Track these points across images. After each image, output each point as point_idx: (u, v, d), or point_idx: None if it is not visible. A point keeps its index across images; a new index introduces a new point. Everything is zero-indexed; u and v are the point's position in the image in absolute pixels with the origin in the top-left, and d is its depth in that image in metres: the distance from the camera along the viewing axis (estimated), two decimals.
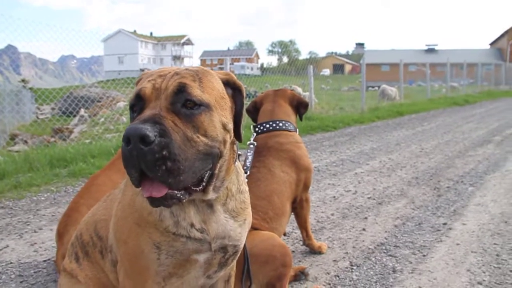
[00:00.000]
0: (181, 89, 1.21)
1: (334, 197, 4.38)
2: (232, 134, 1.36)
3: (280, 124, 2.69)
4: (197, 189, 1.27)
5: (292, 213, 2.78)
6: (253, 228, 2.34)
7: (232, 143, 1.40)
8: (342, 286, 2.54)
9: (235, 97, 1.40)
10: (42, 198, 4.16)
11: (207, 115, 1.23)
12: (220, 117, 1.27)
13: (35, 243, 3.06)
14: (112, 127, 13.67)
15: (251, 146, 2.60)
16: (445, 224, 3.54)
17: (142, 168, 1.13)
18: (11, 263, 2.75)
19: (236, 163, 1.47)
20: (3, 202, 4.03)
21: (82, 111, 20.76)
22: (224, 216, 1.44)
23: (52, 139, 15.16)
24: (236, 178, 1.49)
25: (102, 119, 16.48)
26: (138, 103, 1.24)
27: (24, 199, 4.11)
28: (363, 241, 3.20)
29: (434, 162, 6.16)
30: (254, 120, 2.91)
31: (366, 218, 3.71)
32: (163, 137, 1.12)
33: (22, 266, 2.71)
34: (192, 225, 1.37)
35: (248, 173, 2.44)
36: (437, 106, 16.40)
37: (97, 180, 2.52)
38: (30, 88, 25.33)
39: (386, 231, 3.40)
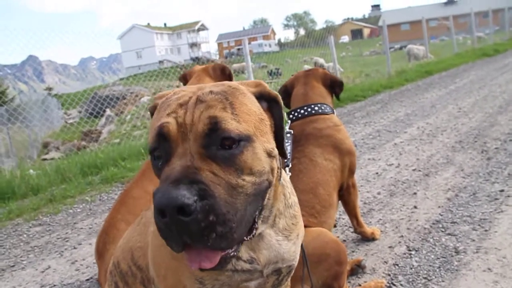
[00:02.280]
0: (213, 127, 0.97)
1: (377, 173, 4.15)
2: (278, 156, 1.14)
3: (316, 108, 2.47)
4: (250, 236, 1.08)
5: (339, 201, 2.58)
6: None
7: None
8: (403, 275, 2.35)
9: (271, 109, 1.16)
10: (78, 210, 4.09)
11: (249, 150, 1.00)
12: (263, 145, 1.05)
13: (76, 261, 2.97)
14: (139, 123, 13.69)
15: (288, 135, 2.39)
16: (502, 191, 3.27)
17: (187, 241, 0.93)
18: (54, 285, 2.67)
19: (281, 176, 1.27)
20: (40, 218, 3.97)
21: (108, 111, 20.96)
22: (276, 240, 1.24)
23: (83, 143, 15.36)
24: (282, 194, 1.28)
25: (129, 117, 16.57)
26: (162, 146, 1.00)
27: (60, 213, 4.05)
28: (417, 220, 2.98)
29: (475, 121, 5.82)
30: (287, 105, 2.70)
31: (415, 193, 3.48)
32: (205, 199, 0.91)
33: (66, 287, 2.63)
34: (238, 258, 1.17)
35: (290, 165, 2.25)
36: (465, 60, 15.71)
37: (131, 193, 2.39)
38: (55, 95, 25.74)
39: (439, 206, 3.16)
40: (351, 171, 2.51)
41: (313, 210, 2.25)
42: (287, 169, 2.09)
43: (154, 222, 1.21)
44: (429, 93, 9.18)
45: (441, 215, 3.02)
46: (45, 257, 3.12)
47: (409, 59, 20.11)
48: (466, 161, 4.15)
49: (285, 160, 2.26)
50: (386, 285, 2.26)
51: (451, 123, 5.91)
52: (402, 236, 2.79)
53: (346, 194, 2.55)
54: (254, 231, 1.09)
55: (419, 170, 4.06)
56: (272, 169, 1.08)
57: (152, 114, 1.15)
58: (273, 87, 14.97)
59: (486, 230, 2.70)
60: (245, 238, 1.05)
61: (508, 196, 3.16)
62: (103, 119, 19.87)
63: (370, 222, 3.07)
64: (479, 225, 2.79)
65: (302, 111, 2.47)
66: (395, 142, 5.24)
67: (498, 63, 14.18)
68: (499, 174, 3.68)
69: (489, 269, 2.27)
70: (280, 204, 1.26)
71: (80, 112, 27.38)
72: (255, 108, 1.09)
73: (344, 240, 2.84)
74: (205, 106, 1.00)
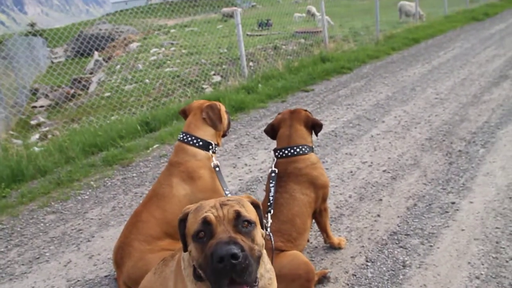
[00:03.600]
0: (238, 215, 1.63)
1: (351, 172, 4.70)
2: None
3: (298, 150, 2.98)
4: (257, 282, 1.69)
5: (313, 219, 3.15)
6: (280, 250, 2.74)
7: None
8: (358, 286, 2.95)
9: (257, 210, 1.82)
10: (86, 197, 4.61)
11: (255, 229, 1.67)
12: (259, 228, 1.73)
13: (93, 255, 3.53)
14: (129, 76, 13.87)
15: (273, 175, 2.92)
16: (453, 203, 3.86)
17: (233, 276, 1.53)
18: (78, 280, 3.24)
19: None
20: (52, 205, 4.49)
21: (96, 55, 20.88)
22: None
23: (72, 91, 15.54)
24: (262, 262, 1.84)
25: (118, 66, 16.62)
26: (206, 229, 1.61)
27: (70, 200, 4.57)
28: (378, 230, 3.57)
29: (448, 113, 6.34)
30: (273, 138, 3.20)
31: (381, 199, 4.05)
32: (243, 252, 1.54)
33: (88, 283, 3.19)
34: None
35: (272, 201, 2.79)
36: (454, 25, 15.98)
37: (141, 216, 2.90)
38: (39, 31, 25.20)
39: (398, 216, 3.75)
40: (324, 200, 3.07)
41: (290, 237, 2.82)
42: (268, 215, 2.65)
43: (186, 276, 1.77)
44: (412, 69, 9.61)
45: (399, 226, 3.61)
46: (65, 249, 3.67)
47: (400, 15, 20.20)
48: (431, 164, 4.72)
49: (270, 199, 2.81)
50: None
51: (426, 114, 6.43)
52: (363, 246, 3.38)
53: (318, 216, 3.13)
54: (257, 282, 1.69)
55: (388, 172, 4.62)
56: (263, 244, 1.74)
57: (182, 221, 1.79)
58: (263, 39, 15.11)
59: (431, 246, 3.30)
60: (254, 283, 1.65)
61: (457, 210, 3.76)
62: (91, 63, 19.85)
63: (339, 228, 3.65)
64: (427, 239, 3.39)
65: (286, 151, 2.98)
66: (372, 134, 5.76)
67: (485, 31, 14.52)
68: (455, 182, 4.26)
69: (424, 285, 2.89)
70: (262, 268, 1.83)
71: (66, 51, 27.14)
72: (252, 208, 1.77)
73: (316, 247, 3.42)
74: (230, 206, 1.67)
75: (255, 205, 1.83)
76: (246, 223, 1.64)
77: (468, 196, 3.98)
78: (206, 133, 3.15)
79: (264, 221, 2.35)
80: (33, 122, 11.10)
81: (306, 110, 3.17)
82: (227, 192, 2.90)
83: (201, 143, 3.10)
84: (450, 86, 7.90)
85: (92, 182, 4.94)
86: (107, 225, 4.01)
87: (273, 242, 2.50)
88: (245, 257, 1.54)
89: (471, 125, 5.80)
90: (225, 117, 3.25)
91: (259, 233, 1.71)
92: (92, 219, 4.16)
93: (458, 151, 5.01)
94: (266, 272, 1.88)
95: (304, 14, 23.75)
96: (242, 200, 1.75)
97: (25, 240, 3.89)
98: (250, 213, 1.70)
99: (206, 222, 1.61)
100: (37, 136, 8.26)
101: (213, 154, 3.14)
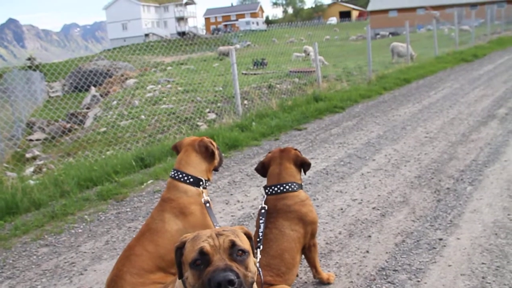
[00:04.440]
0: (233, 244, 1.76)
1: (341, 209, 4.79)
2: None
3: (287, 187, 3.08)
4: None
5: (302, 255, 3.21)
6: (269, 284, 2.80)
7: None
8: None
9: (249, 241, 1.94)
10: (79, 231, 4.66)
11: (249, 258, 1.80)
12: (252, 257, 1.85)
13: None
14: (125, 112, 14.05)
15: (262, 211, 3.02)
16: (441, 239, 3.94)
17: None
18: None
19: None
20: (46, 238, 4.53)
21: (93, 90, 21.15)
22: None
23: (68, 125, 15.67)
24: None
25: (115, 102, 16.83)
26: (203, 258, 1.73)
27: (63, 233, 4.61)
28: (366, 266, 3.63)
29: (437, 152, 6.49)
30: (264, 176, 3.31)
31: (370, 236, 4.13)
32: (238, 278, 1.66)
33: None
34: None
35: (261, 237, 2.87)
36: (444, 66, 16.45)
37: (134, 250, 2.96)
38: (37, 66, 25.53)
39: (387, 252, 3.82)
40: (313, 235, 3.15)
41: (279, 271, 2.89)
42: (258, 250, 2.73)
43: None
44: (403, 108, 9.85)
45: (387, 261, 3.67)
46: (57, 282, 3.70)
47: (393, 56, 20.76)
48: (419, 202, 4.82)
49: (258, 242, 2.90)
50: None
51: (416, 152, 6.58)
52: (352, 281, 3.44)
53: (307, 252, 3.20)
54: None
55: (378, 209, 4.71)
56: (255, 272, 1.84)
57: (178, 249, 1.89)
58: (258, 78, 15.46)
59: (418, 281, 3.36)
60: None
61: (444, 246, 3.83)
62: (88, 98, 20.07)
63: (329, 264, 3.71)
64: (414, 275, 3.45)
65: (276, 188, 3.09)
66: (362, 172, 5.88)
67: (474, 72, 14.94)
68: (443, 219, 4.35)
69: None
70: None
71: (64, 86, 27.48)
72: (246, 239, 1.89)
73: (305, 282, 3.47)
74: (225, 236, 1.79)
75: (248, 235, 1.94)
76: (240, 252, 1.76)
77: (456, 232, 4.06)
78: (197, 169, 3.24)
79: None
80: (28, 155, 11.16)
81: (295, 149, 3.30)
82: (217, 227, 2.98)
83: (191, 179, 3.19)
84: (440, 125, 8.10)
85: (86, 216, 4.99)
86: (100, 259, 4.05)
87: (262, 276, 2.56)
88: (240, 283, 1.66)
89: (459, 163, 5.94)
90: (216, 152, 3.36)
91: (251, 261, 1.82)
92: (85, 252, 4.19)
93: (446, 188, 5.12)
94: None
95: (303, 54, 24.37)
96: (236, 231, 1.87)
97: (17, 272, 3.91)
98: (244, 243, 1.82)
99: (202, 252, 1.73)
100: (31, 169, 8.32)
101: (204, 190, 3.22)
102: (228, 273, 1.63)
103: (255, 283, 1.99)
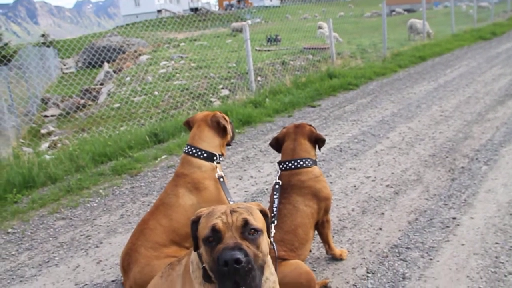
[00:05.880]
0: (246, 223, 1.74)
1: (355, 186, 4.78)
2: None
3: (301, 163, 3.07)
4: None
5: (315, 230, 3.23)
6: (283, 259, 2.83)
7: None
8: None
9: (265, 219, 1.92)
10: (95, 205, 4.73)
11: (261, 237, 1.78)
12: (265, 236, 1.83)
13: (101, 261, 3.63)
14: (139, 88, 14.06)
15: (277, 186, 3.02)
16: (454, 218, 3.93)
17: (237, 279, 1.64)
18: (86, 284, 3.34)
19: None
20: (62, 211, 4.61)
21: (106, 66, 21.19)
22: None
23: (82, 101, 15.77)
24: (267, 266, 1.94)
25: (128, 78, 16.84)
26: (215, 235, 1.72)
27: (79, 207, 4.69)
28: (379, 243, 3.64)
29: (452, 131, 6.42)
30: (278, 151, 3.31)
31: (383, 213, 4.13)
32: (247, 257, 1.65)
33: (96, 287, 3.30)
34: None
35: (276, 212, 2.88)
36: (461, 44, 16.10)
37: (148, 224, 3.01)
38: (51, 42, 25.56)
39: (400, 230, 3.82)
40: (326, 211, 3.15)
41: (292, 246, 2.90)
42: (272, 225, 2.74)
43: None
44: (418, 86, 9.71)
45: (400, 239, 3.68)
46: (73, 254, 3.78)
47: (411, 33, 20.26)
48: (433, 180, 4.79)
49: (273, 209, 2.91)
50: None
51: (431, 130, 6.51)
52: (364, 258, 3.46)
53: (321, 228, 3.21)
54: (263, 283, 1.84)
55: (391, 187, 4.70)
56: (268, 253, 1.84)
57: (194, 223, 1.88)
58: (271, 55, 15.30)
59: (431, 259, 3.37)
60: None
61: (458, 225, 3.82)
62: (102, 75, 20.12)
63: (341, 240, 3.73)
64: (427, 253, 3.45)
65: (290, 164, 3.08)
66: (376, 150, 5.85)
67: (492, 50, 14.62)
68: (457, 198, 4.32)
69: None
70: (267, 272, 1.93)
71: (77, 62, 27.55)
72: (261, 216, 1.88)
73: (318, 257, 3.50)
74: (239, 214, 1.77)
75: (263, 213, 1.92)
76: (252, 230, 1.74)
77: (469, 211, 4.04)
78: (210, 144, 3.25)
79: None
80: (43, 131, 11.30)
81: (310, 125, 3.28)
82: (231, 202, 2.99)
83: (205, 154, 3.20)
84: (455, 104, 7.98)
85: (101, 190, 5.06)
86: (115, 232, 4.12)
87: (276, 251, 2.58)
88: (248, 262, 1.65)
89: (474, 142, 5.87)
90: (228, 127, 3.35)
91: (264, 241, 1.80)
92: (100, 226, 4.27)
93: (461, 167, 5.07)
94: (271, 275, 1.98)
95: (325, 30, 23.96)
96: (251, 208, 1.84)
97: (35, 244, 4.00)
98: (258, 221, 1.79)
99: (215, 230, 1.72)
100: (47, 144, 8.43)
101: (218, 165, 3.23)
102: (236, 252, 1.62)
103: (269, 260, 2.00)
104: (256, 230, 1.74)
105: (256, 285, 1.70)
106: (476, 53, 14.21)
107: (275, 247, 2.51)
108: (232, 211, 1.77)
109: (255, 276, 1.69)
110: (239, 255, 1.62)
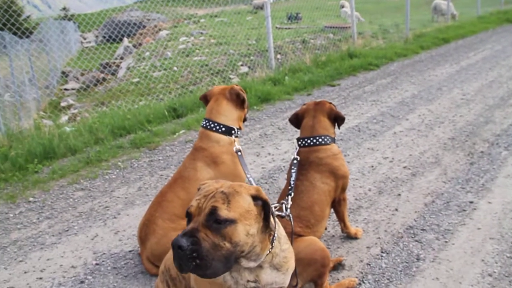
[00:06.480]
0: (212, 212, 1.68)
1: (372, 166, 4.77)
2: (257, 239, 1.80)
3: (320, 140, 3.07)
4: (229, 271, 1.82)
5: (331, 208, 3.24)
6: (298, 235, 2.85)
7: (264, 234, 1.85)
8: (372, 274, 3.04)
9: (263, 206, 1.83)
10: (113, 176, 4.81)
11: (232, 227, 1.69)
12: (244, 226, 1.72)
13: (118, 231, 3.71)
14: (158, 63, 14.08)
15: (295, 162, 3.03)
16: (471, 202, 3.90)
17: (181, 263, 1.66)
18: (104, 253, 3.42)
19: (276, 234, 1.93)
20: (81, 182, 4.70)
21: (126, 41, 21.20)
22: (270, 270, 1.95)
23: (102, 75, 15.88)
24: (278, 243, 1.96)
25: (147, 53, 16.86)
26: (188, 216, 1.76)
27: (98, 178, 4.77)
28: (395, 223, 3.65)
29: (473, 115, 6.31)
30: (297, 127, 3.30)
31: (399, 194, 4.12)
32: (194, 245, 1.64)
33: (113, 257, 3.38)
34: (248, 281, 1.90)
35: (292, 194, 2.89)
36: (486, 27, 15.69)
37: (166, 196, 3.05)
38: (71, 16, 25.63)
39: (416, 211, 3.81)
40: (343, 189, 3.16)
41: (308, 223, 2.92)
42: (289, 197, 2.75)
43: None
44: (440, 69, 9.53)
45: (415, 220, 3.67)
46: (92, 224, 3.86)
47: (435, 14, 19.77)
48: (452, 163, 4.74)
49: (290, 183, 2.92)
50: (357, 283, 2.97)
51: (451, 114, 6.42)
52: (379, 238, 3.47)
53: (337, 206, 3.22)
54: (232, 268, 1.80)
55: (409, 168, 4.67)
56: (246, 243, 1.74)
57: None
58: (292, 33, 15.13)
59: (446, 241, 3.36)
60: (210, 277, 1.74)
61: (474, 209, 3.79)
62: (121, 49, 20.18)
63: (357, 220, 3.74)
64: (442, 235, 3.45)
65: (309, 141, 3.08)
66: (395, 131, 5.80)
67: None
68: (475, 182, 4.28)
69: (437, 278, 2.96)
70: (277, 249, 1.95)
71: (97, 36, 27.65)
72: (245, 204, 1.76)
73: (333, 235, 3.52)
74: (213, 200, 1.72)
75: (261, 199, 1.82)
76: (218, 220, 1.67)
77: (487, 196, 4.00)
78: (228, 118, 3.26)
79: (283, 205, 2.60)
80: (63, 104, 11.44)
81: (330, 103, 3.26)
82: (248, 176, 3.00)
83: (223, 128, 3.21)
84: (477, 87, 7.83)
85: (119, 163, 5.14)
86: (133, 204, 4.19)
87: (292, 226, 2.59)
88: (193, 250, 1.63)
89: (495, 127, 5.77)
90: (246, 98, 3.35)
91: (238, 231, 1.70)
92: (118, 197, 4.34)
93: (480, 152, 5.01)
94: (281, 251, 1.98)
95: (347, 9, 23.52)
96: (232, 194, 1.75)
97: (55, 213, 4.10)
98: (233, 210, 1.70)
99: (188, 212, 1.75)
100: (66, 117, 8.55)
101: (236, 139, 3.24)
102: (182, 239, 1.63)
103: (282, 236, 2.01)
104: (224, 221, 1.67)
105: (204, 274, 1.69)
106: (501, 36, 13.84)
107: (291, 221, 2.52)
108: (211, 196, 1.73)
109: (204, 266, 1.66)
110: (183, 243, 1.63)
